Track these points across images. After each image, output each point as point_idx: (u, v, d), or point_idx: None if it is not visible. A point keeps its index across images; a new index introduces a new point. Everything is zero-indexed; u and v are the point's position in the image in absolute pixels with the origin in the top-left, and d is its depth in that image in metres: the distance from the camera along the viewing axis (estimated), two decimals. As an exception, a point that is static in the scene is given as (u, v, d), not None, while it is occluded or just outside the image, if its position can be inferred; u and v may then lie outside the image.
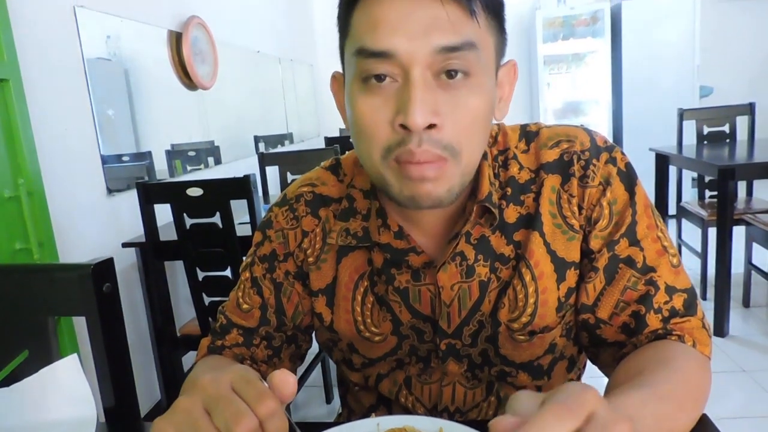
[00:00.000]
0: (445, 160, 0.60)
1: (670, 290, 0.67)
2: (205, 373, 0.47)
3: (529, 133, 0.75)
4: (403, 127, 0.58)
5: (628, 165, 0.71)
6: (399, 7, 0.58)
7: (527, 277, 0.70)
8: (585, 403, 0.36)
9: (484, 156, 0.70)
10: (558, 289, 0.71)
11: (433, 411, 0.77)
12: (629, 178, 0.70)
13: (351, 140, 0.67)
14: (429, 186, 0.61)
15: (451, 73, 0.59)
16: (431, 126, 0.58)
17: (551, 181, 0.70)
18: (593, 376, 0.80)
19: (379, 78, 0.60)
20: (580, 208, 0.70)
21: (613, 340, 0.70)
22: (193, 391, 0.45)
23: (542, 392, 0.43)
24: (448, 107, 0.59)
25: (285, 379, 0.45)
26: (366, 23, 0.60)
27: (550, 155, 0.71)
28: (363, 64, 0.60)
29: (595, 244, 0.69)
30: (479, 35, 0.60)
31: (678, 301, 0.67)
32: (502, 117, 0.69)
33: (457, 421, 0.59)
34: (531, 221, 0.70)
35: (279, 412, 0.44)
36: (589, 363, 0.82)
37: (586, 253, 0.70)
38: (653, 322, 0.66)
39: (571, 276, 0.71)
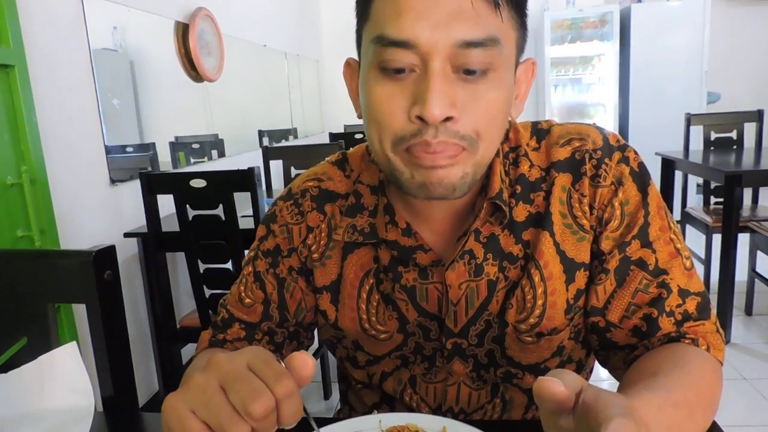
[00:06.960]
0: (462, 148, 0.59)
1: (683, 293, 0.66)
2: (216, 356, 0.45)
3: (540, 131, 0.73)
4: (420, 118, 0.57)
5: (641, 165, 0.69)
6: None
7: (536, 278, 0.69)
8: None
9: (496, 153, 0.69)
10: (567, 290, 0.69)
11: (438, 411, 0.76)
12: (642, 178, 0.69)
13: (363, 127, 0.66)
14: (442, 172, 0.60)
15: (471, 71, 0.58)
16: (448, 118, 0.57)
17: (562, 180, 0.69)
18: (598, 380, 0.79)
19: (398, 71, 0.58)
20: (591, 208, 0.68)
21: (624, 344, 0.68)
22: (208, 368, 0.43)
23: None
24: (466, 99, 0.58)
25: (304, 360, 0.44)
26: (389, 10, 0.58)
27: (562, 153, 0.70)
28: (382, 53, 0.59)
29: (606, 245, 0.68)
30: (502, 30, 0.59)
31: (691, 305, 0.66)
32: (517, 115, 0.68)
33: (461, 421, 0.58)
34: (541, 220, 0.69)
35: (296, 393, 0.42)
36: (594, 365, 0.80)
37: (597, 255, 0.69)
38: (666, 325, 0.65)
39: (581, 277, 0.70)
